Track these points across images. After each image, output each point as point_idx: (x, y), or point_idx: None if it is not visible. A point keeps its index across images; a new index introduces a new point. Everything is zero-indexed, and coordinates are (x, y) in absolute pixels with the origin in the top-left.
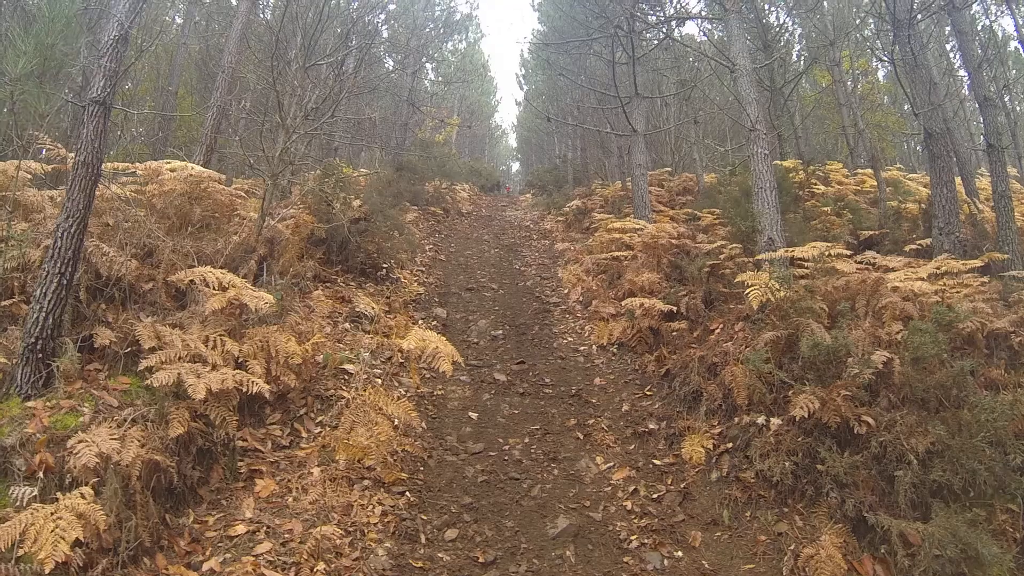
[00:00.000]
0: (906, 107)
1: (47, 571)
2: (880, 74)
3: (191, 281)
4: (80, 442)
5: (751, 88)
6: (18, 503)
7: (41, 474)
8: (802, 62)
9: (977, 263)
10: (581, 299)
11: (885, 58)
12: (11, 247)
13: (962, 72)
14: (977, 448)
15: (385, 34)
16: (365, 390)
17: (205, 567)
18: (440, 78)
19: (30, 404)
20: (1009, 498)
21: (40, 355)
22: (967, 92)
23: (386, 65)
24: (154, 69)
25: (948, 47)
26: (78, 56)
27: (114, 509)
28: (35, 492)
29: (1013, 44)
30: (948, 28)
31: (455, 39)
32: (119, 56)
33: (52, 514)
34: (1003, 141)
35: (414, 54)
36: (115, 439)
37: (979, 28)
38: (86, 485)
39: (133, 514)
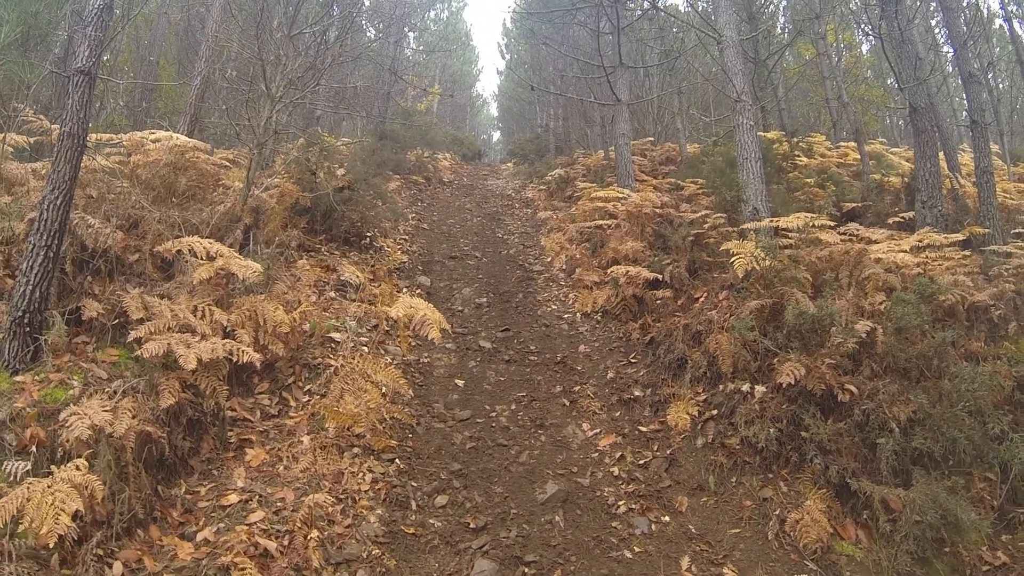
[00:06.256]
0: (890, 81)
1: (51, 545)
2: (864, 48)
3: (178, 251)
4: (73, 415)
5: (738, 59)
6: (12, 478)
7: (33, 448)
8: (787, 34)
9: (959, 237)
10: (564, 267)
11: (871, 32)
12: None
13: (947, 48)
14: (957, 417)
15: (367, 2)
16: (353, 358)
17: (199, 537)
18: (422, 47)
19: (19, 378)
20: (987, 466)
21: (28, 329)
22: (951, 68)
23: (368, 34)
24: (134, 40)
25: (934, 23)
26: (62, 25)
27: (108, 481)
28: (28, 466)
29: (998, 22)
30: (934, 4)
31: (438, 8)
32: (104, 25)
33: (49, 487)
34: (986, 117)
35: (397, 23)
36: (107, 411)
37: (965, 5)
38: (79, 458)
39: (126, 486)
